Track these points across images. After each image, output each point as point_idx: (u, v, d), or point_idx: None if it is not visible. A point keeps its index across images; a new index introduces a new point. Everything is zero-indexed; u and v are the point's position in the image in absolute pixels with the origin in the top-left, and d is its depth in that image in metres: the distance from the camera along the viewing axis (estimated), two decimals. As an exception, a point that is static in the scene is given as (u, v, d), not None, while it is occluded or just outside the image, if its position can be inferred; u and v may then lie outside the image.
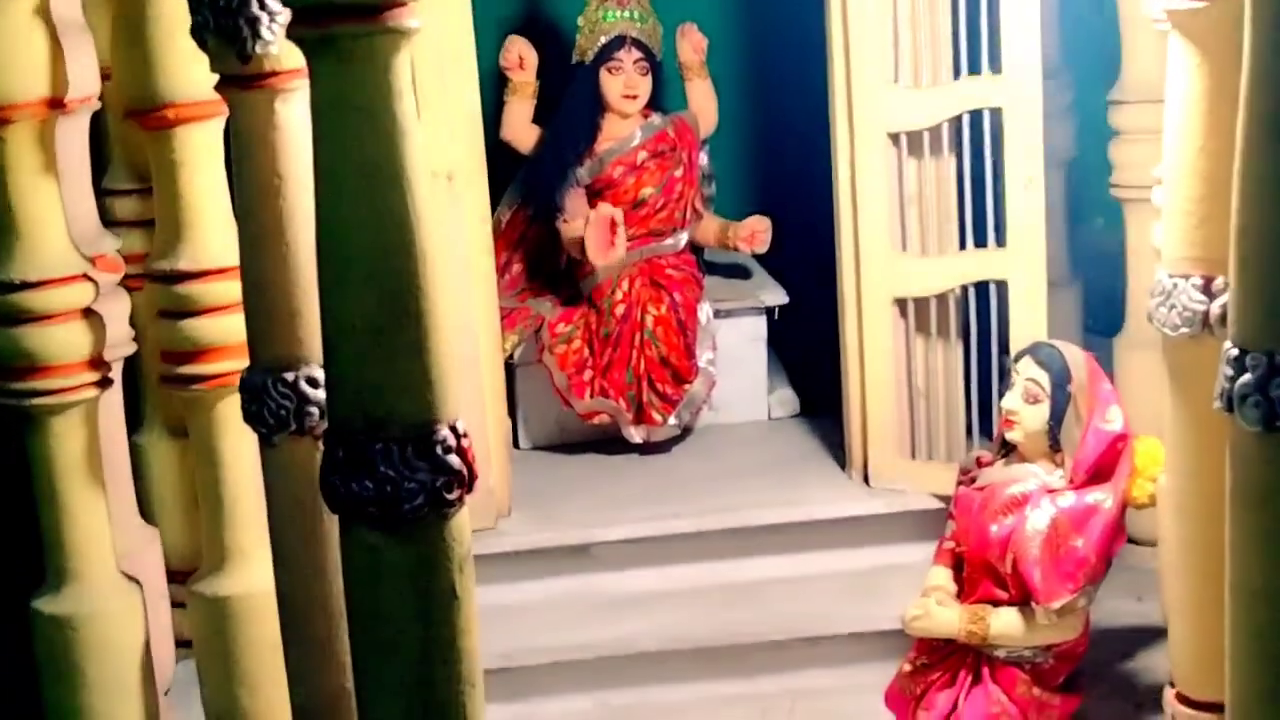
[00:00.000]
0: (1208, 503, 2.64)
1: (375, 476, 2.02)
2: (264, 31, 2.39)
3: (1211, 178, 2.55)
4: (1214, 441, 2.53)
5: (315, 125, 2.04)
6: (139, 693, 3.04)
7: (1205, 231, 2.59)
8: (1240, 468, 2.10)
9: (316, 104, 2.02)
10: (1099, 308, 4.87)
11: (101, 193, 3.68)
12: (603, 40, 4.71)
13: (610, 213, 4.53)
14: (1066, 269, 4.85)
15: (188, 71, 2.78)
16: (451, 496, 2.05)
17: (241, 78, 2.45)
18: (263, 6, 2.39)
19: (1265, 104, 2.00)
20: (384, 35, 1.96)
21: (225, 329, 2.90)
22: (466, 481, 2.07)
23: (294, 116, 2.45)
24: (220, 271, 2.90)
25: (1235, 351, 2.10)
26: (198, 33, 2.46)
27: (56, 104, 2.94)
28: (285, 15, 2.08)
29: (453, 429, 2.06)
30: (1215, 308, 2.59)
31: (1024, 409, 3.34)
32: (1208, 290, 2.59)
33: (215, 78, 2.52)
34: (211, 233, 2.91)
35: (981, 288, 4.14)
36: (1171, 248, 2.67)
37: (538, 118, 4.85)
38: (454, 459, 2.05)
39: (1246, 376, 2.07)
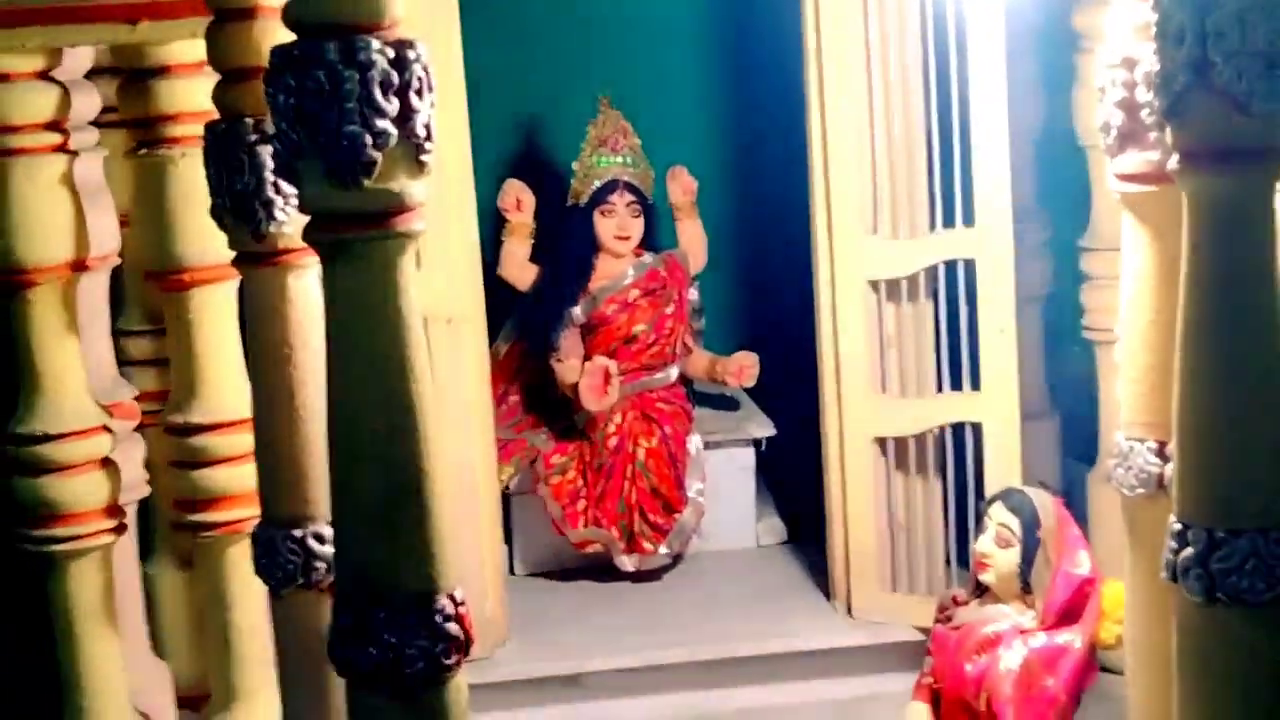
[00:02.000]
0: (1165, 656, 2.75)
1: (379, 644, 2.17)
2: (278, 214, 2.53)
3: (1162, 348, 2.64)
4: (1169, 597, 2.67)
5: (327, 317, 2.20)
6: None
7: (1158, 398, 2.67)
8: (1184, 637, 2.25)
9: (329, 298, 2.19)
10: (1079, 435, 4.97)
11: (116, 332, 3.81)
12: (597, 184, 4.90)
13: (605, 364, 4.69)
14: (1045, 400, 4.96)
15: (204, 239, 2.96)
16: (450, 662, 2.20)
17: (256, 254, 2.58)
18: (278, 191, 2.54)
19: (1196, 311, 2.18)
20: (391, 240, 2.14)
21: (236, 478, 3.04)
22: (464, 646, 2.22)
23: (305, 290, 2.58)
24: (231, 424, 3.04)
25: (1179, 526, 2.26)
26: (216, 213, 2.61)
27: (79, 266, 3.08)
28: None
29: (451, 598, 2.21)
30: (1169, 470, 2.69)
31: (996, 552, 3.48)
32: (1161, 454, 2.68)
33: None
34: (224, 387, 3.07)
35: (958, 427, 4.29)
36: (1128, 412, 2.78)
37: (533, 256, 5.03)
38: (453, 626, 2.20)
39: (1189, 550, 2.23)
